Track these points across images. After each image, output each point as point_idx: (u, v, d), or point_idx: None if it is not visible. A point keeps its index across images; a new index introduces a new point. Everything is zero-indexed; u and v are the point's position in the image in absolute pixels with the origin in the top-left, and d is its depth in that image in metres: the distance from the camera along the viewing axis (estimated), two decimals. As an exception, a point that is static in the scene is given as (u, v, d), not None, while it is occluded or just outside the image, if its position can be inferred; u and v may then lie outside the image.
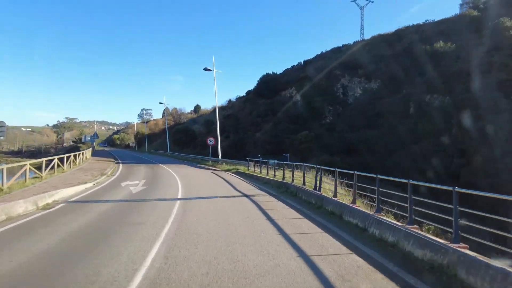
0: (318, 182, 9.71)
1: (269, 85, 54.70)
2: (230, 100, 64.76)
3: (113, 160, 29.21)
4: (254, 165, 19.35)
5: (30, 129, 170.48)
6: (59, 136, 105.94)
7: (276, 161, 19.27)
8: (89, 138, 59.39)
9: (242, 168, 20.60)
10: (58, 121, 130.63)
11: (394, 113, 38.67)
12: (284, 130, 42.82)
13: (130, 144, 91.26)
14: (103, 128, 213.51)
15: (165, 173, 18.61)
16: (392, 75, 44.29)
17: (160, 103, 44.21)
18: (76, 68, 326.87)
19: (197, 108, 77.96)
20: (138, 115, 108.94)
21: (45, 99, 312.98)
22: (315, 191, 9.66)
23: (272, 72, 56.44)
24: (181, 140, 50.47)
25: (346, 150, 35.88)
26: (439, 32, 45.84)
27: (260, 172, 17.40)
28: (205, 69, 26.23)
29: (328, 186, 9.96)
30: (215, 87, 27.31)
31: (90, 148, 34.48)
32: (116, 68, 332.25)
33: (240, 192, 11.68)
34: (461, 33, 41.78)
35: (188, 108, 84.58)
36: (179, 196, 10.26)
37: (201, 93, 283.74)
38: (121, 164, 25.19)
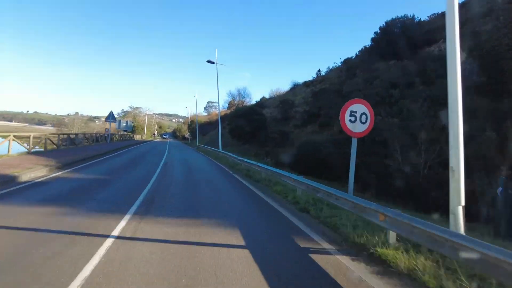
0: None
1: (400, 36, 30.31)
2: (319, 70, 41.90)
3: (71, 163, 10.23)
4: None
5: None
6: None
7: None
8: (124, 124, 44.53)
9: None
10: (122, 109, 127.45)
11: None
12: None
13: (186, 136, 77.78)
14: (173, 120, 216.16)
15: None
16: None
17: (208, 61, 23.51)
18: (152, 66, 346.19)
19: (262, 100, 57.89)
20: (204, 107, 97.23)
21: (126, 92, 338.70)
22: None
23: (405, 16, 31.61)
24: (241, 129, 30.26)
25: None
26: None
27: None
28: None
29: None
30: None
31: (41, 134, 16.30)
32: (189, 64, 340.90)
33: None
34: None
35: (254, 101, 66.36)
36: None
37: (268, 87, 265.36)
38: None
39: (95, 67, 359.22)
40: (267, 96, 51.72)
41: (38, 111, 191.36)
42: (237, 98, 47.65)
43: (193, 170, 12.92)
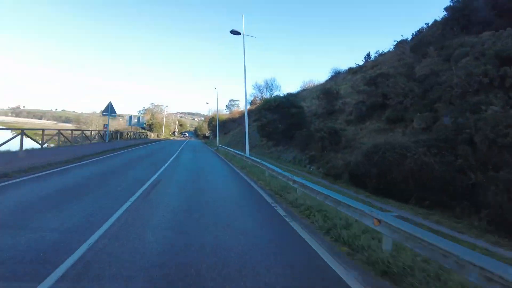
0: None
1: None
2: (368, 54, 33.87)
3: None
4: None
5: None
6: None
7: None
8: (135, 121, 39.07)
9: None
10: (144, 107, 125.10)
11: None
12: None
13: (206, 135, 72.29)
14: (195, 119, 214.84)
15: None
16: None
17: (232, 32, 16.69)
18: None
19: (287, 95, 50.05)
20: (226, 106, 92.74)
21: (151, 92, 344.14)
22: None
23: (499, -30, 22.94)
24: (273, 126, 23.27)
25: None
26: None
27: None
28: None
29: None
30: None
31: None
32: (212, 63, 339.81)
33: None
34: None
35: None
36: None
37: (297, 81, 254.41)
38: None
39: (123, 66, 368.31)
40: (297, 90, 44.27)
41: (65, 109, 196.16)
42: (264, 91, 40.69)
43: (203, 210, 6.00)
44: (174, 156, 17.43)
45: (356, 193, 13.71)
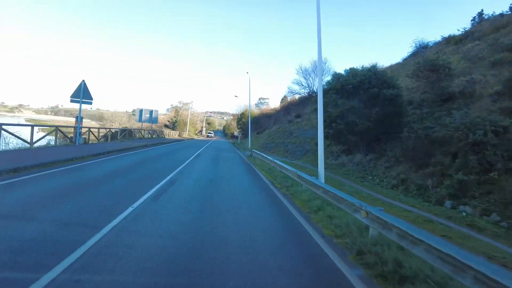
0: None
1: None
2: (480, 15, 22.49)
3: None
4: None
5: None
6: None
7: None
8: (147, 116, 30.93)
9: None
10: (172, 104, 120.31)
11: None
12: None
13: (235, 134, 63.81)
14: (224, 118, 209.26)
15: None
16: None
17: None
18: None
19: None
20: (256, 104, 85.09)
21: (183, 91, 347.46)
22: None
23: None
24: (344, 121, 13.38)
25: None
26: None
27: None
28: None
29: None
30: None
31: None
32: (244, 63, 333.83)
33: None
34: None
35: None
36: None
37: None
38: None
39: (157, 64, 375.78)
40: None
41: (100, 108, 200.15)
42: (312, 76, 30.55)
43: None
44: (154, 188, 8.23)
45: None
